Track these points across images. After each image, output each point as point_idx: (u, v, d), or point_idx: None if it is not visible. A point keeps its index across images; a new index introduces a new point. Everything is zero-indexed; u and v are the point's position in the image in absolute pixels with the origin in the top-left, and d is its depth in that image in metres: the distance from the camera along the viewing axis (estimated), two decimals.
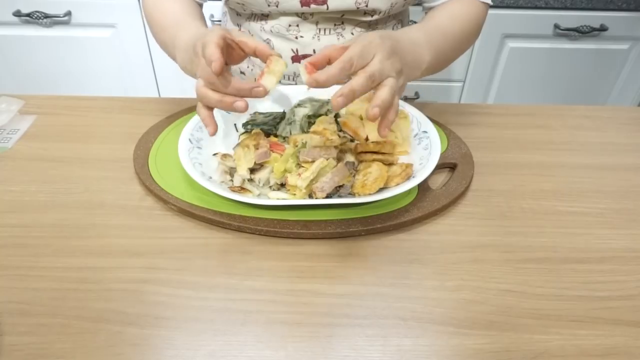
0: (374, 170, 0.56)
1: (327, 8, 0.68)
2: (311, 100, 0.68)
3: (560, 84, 1.45)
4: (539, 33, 1.33)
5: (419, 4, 0.75)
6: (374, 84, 0.49)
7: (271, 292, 0.48)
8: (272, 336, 0.44)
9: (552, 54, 1.37)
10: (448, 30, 0.66)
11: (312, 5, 0.68)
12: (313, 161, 0.54)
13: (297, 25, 0.72)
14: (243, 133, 0.65)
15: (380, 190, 0.54)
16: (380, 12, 0.70)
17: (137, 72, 1.40)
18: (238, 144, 0.60)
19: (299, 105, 0.67)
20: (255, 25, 0.75)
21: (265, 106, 0.69)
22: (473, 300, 0.47)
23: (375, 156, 0.58)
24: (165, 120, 0.70)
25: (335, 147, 0.57)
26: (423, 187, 0.58)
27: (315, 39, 0.73)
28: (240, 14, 0.77)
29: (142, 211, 0.57)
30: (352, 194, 0.55)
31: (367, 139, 0.62)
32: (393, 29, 0.79)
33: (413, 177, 0.56)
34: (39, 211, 0.56)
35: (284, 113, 0.67)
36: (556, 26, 1.31)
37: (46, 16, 1.28)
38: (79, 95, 0.79)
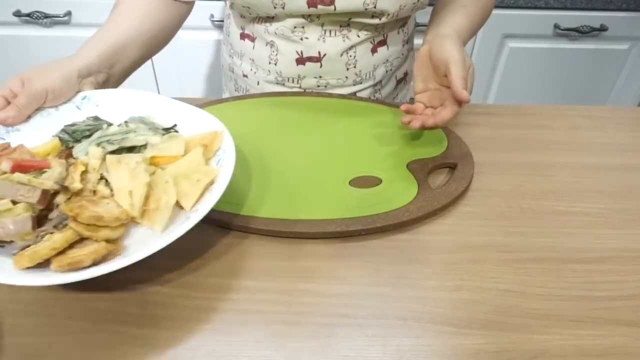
0: (57, 238, 0.42)
1: (335, 9, 0.68)
2: (142, 121, 0.57)
3: (560, 84, 1.45)
4: (539, 33, 1.33)
5: (431, 4, 0.75)
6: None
7: (271, 292, 0.48)
8: (272, 336, 0.44)
9: (552, 54, 1.37)
10: (473, 21, 0.71)
11: (319, 6, 0.68)
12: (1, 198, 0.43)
13: (303, 27, 0.72)
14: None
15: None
16: (388, 15, 0.70)
17: (137, 72, 1.40)
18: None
19: (125, 123, 0.57)
20: (260, 27, 0.75)
21: (116, 112, 0.60)
22: (473, 300, 0.47)
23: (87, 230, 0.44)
24: None
25: (44, 191, 0.44)
26: (423, 186, 0.59)
27: (321, 41, 0.73)
28: (245, 16, 0.76)
29: None
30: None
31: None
32: (399, 33, 0.79)
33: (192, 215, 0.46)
34: None
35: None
36: (556, 26, 1.31)
37: (46, 16, 1.28)
38: None
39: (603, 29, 1.31)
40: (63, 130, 0.57)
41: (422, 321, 0.45)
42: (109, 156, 0.50)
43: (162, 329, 0.44)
